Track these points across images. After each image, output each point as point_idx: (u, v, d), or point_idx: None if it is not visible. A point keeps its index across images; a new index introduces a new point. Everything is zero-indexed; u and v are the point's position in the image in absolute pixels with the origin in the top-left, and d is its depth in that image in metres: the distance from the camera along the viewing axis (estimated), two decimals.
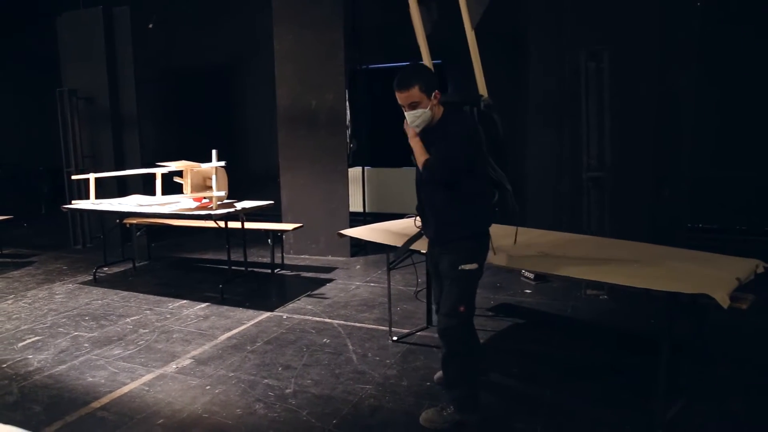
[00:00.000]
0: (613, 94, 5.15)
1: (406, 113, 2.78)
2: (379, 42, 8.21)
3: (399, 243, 3.87)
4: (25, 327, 4.67)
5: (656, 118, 5.57)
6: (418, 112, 2.73)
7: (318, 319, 4.64)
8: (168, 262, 7.09)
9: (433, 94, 2.73)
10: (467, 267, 2.84)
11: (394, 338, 4.16)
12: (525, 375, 3.55)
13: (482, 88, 3.42)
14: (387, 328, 4.29)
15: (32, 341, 4.34)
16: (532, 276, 5.53)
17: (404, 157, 3.03)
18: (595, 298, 4.99)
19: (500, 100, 7.61)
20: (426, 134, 2.83)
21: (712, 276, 2.79)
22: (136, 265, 6.76)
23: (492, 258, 3.63)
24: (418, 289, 5.05)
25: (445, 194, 2.84)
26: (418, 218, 3.11)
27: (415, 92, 2.69)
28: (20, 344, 4.28)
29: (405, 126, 2.85)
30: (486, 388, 3.33)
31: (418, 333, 4.28)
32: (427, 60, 3.59)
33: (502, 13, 7.12)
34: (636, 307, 4.71)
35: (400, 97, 2.74)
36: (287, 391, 3.38)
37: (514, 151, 7.08)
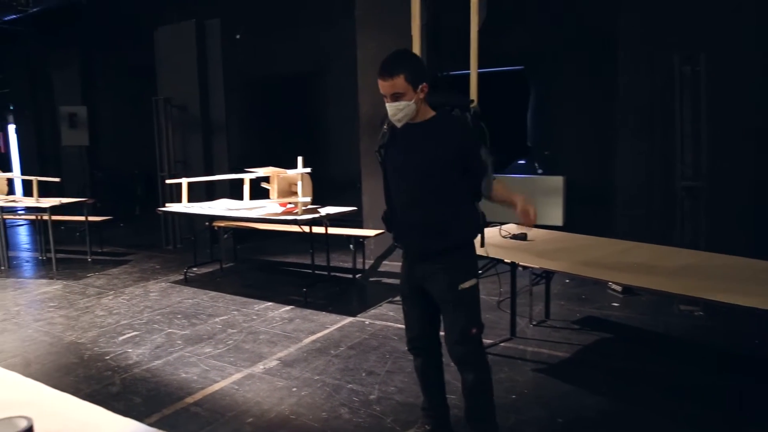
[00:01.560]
0: (709, 99, 4.91)
1: (387, 105, 2.44)
2: (460, 48, 8.18)
3: (483, 251, 3.84)
4: (125, 322, 4.95)
5: (757, 124, 5.27)
6: (401, 104, 2.40)
7: (400, 325, 4.66)
8: (253, 264, 7.33)
9: (420, 86, 2.41)
10: (468, 285, 2.53)
11: None
12: (613, 393, 3.42)
13: (473, 94, 3.07)
14: (482, 328, 4.24)
15: (131, 336, 4.59)
16: (619, 288, 5.33)
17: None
18: (689, 314, 4.76)
19: (586, 106, 7.46)
20: (405, 132, 2.51)
21: None
22: (223, 266, 7.03)
23: (580, 269, 3.54)
24: (501, 298, 4.98)
25: (440, 195, 2.50)
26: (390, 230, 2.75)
27: (400, 81, 2.36)
28: (120, 338, 4.54)
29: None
30: (571, 405, 3.24)
31: (502, 344, 4.22)
32: (417, 51, 3.18)
33: (589, 16, 6.99)
34: (736, 326, 4.44)
35: (383, 86, 2.41)
36: (371, 397, 3.41)
37: (601, 159, 6.90)
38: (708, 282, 3.09)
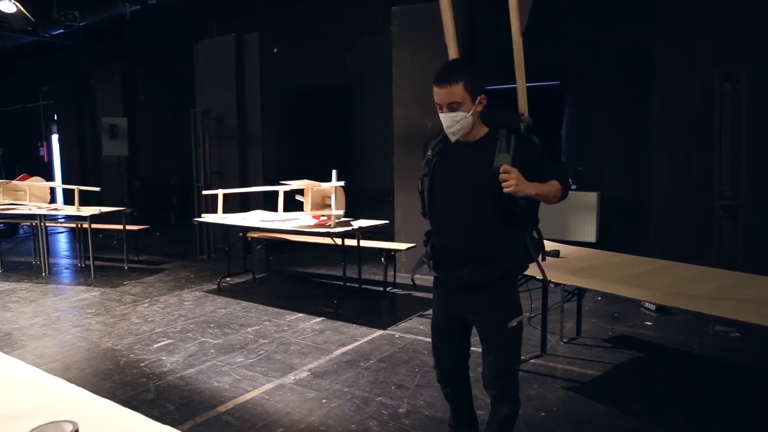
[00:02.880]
0: (749, 117, 4.83)
1: (441, 116, 2.27)
2: (497, 63, 8.19)
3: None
4: (159, 330, 5.06)
5: None
6: (458, 115, 2.22)
7: (430, 340, 4.66)
8: (285, 275, 7.42)
9: (479, 98, 2.25)
10: (515, 322, 2.38)
11: None
12: (645, 414, 3.37)
13: (523, 107, 2.83)
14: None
15: (165, 344, 4.69)
16: (653, 307, 5.25)
17: None
18: (724, 336, 4.66)
19: (622, 121, 7.39)
20: (457, 152, 2.34)
21: None
22: (256, 276, 7.13)
23: (613, 287, 3.51)
24: (532, 315, 4.95)
25: (493, 221, 2.30)
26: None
27: (458, 90, 2.20)
28: (155, 346, 4.64)
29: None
30: (601, 424, 3.21)
31: (532, 360, 4.19)
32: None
33: (626, 30, 6.94)
34: None
35: (439, 94, 2.24)
36: (400, 410, 3.42)
37: (636, 176, 6.82)
38: (744, 304, 3.03)
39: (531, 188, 2.19)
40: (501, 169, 2.16)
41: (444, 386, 2.69)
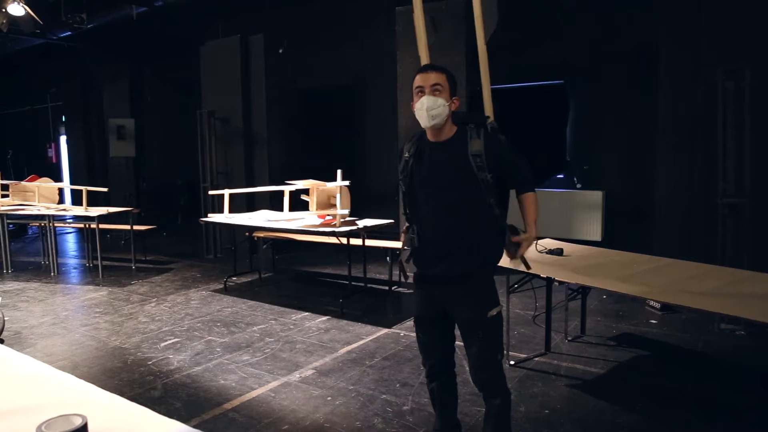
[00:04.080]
0: (753, 115, 4.82)
1: (423, 98, 2.39)
2: (499, 63, 8.22)
3: (519, 266, 3.85)
4: (166, 329, 5.10)
5: None
6: (440, 100, 2.38)
7: None
8: (291, 274, 7.46)
9: (454, 98, 2.45)
10: (495, 312, 2.48)
11: (512, 362, 4.11)
12: (650, 412, 3.38)
13: (488, 109, 2.97)
14: (504, 352, 4.26)
15: (172, 342, 4.73)
16: (658, 305, 5.25)
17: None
18: (730, 334, 4.66)
19: (626, 120, 7.38)
20: (431, 151, 2.48)
21: None
22: (262, 276, 7.17)
23: (617, 286, 3.52)
24: (537, 313, 4.96)
25: (469, 214, 2.44)
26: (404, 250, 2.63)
27: (442, 78, 2.42)
28: (162, 344, 4.68)
29: None
30: (605, 422, 3.22)
31: (536, 358, 4.21)
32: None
33: (629, 29, 6.94)
34: None
35: (424, 78, 2.42)
36: (405, 408, 3.45)
37: (641, 174, 6.82)
38: (750, 301, 3.03)
39: (533, 235, 2.51)
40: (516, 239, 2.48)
41: (431, 381, 2.73)
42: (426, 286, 2.59)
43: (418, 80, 2.45)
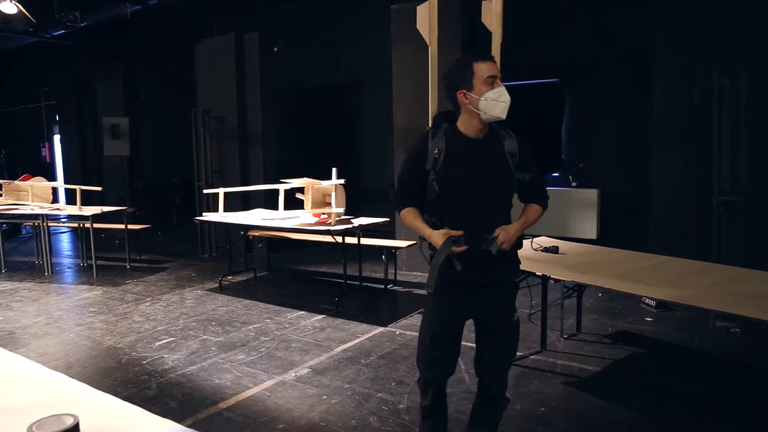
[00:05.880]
0: (748, 113, 4.83)
1: (502, 88, 2.27)
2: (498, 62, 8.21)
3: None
4: (161, 328, 5.08)
5: None
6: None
7: None
8: (286, 273, 7.44)
9: None
10: (518, 313, 2.47)
11: None
12: (644, 409, 3.38)
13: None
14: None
15: (167, 342, 4.71)
16: (653, 303, 5.26)
17: None
18: (725, 331, 4.67)
19: (621, 118, 7.39)
20: (469, 148, 2.33)
21: None
22: (257, 275, 7.15)
23: (613, 283, 3.52)
24: (532, 311, 4.96)
25: (510, 213, 2.40)
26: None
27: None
28: (157, 344, 4.66)
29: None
30: (601, 419, 3.22)
31: (532, 356, 4.21)
32: None
33: (625, 28, 6.94)
34: None
35: (495, 68, 2.29)
36: (400, 406, 3.44)
37: (636, 172, 6.83)
38: (745, 298, 3.04)
39: (516, 230, 2.31)
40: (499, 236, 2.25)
41: (426, 393, 2.53)
42: (455, 294, 2.34)
43: (489, 69, 2.27)
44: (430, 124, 2.48)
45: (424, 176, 2.33)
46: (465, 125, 2.35)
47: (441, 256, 2.21)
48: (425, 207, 2.41)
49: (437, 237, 2.26)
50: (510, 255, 2.37)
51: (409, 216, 2.42)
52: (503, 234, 2.25)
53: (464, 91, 2.28)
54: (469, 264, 2.25)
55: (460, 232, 2.23)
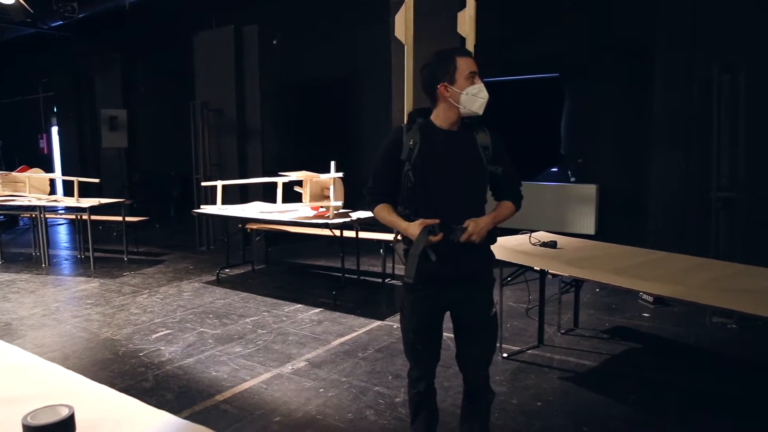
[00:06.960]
0: (748, 109, 4.83)
1: (473, 85, 2.28)
2: (493, 56, 8.19)
3: (512, 258, 3.85)
4: (158, 320, 5.08)
5: None
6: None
7: None
8: (284, 266, 7.44)
9: None
10: (495, 309, 2.44)
11: (504, 355, 4.11)
12: (641, 403, 3.39)
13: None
14: (497, 345, 4.26)
15: (164, 334, 4.71)
16: (651, 299, 5.26)
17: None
18: (722, 327, 4.68)
19: (621, 114, 7.37)
20: (444, 141, 2.33)
21: None
22: (255, 268, 7.15)
23: (610, 278, 3.52)
24: (530, 306, 4.96)
25: (484, 206, 2.37)
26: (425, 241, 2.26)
27: None
28: (154, 336, 4.66)
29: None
30: (598, 414, 3.22)
31: (529, 351, 4.21)
32: None
33: (625, 23, 6.92)
34: None
35: (472, 63, 2.31)
36: (397, 399, 3.44)
37: (635, 168, 6.82)
38: (742, 294, 3.03)
39: (487, 223, 2.28)
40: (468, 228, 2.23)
41: (417, 384, 2.52)
42: (431, 288, 2.33)
43: (470, 64, 2.30)
44: (405, 121, 2.46)
45: (399, 167, 2.33)
46: (440, 118, 2.36)
47: (419, 246, 2.21)
48: (399, 199, 2.39)
49: (413, 228, 2.26)
50: (482, 249, 2.35)
51: (383, 212, 2.41)
52: (473, 225, 2.23)
53: (446, 84, 2.30)
54: (443, 256, 2.25)
55: (436, 221, 2.23)
